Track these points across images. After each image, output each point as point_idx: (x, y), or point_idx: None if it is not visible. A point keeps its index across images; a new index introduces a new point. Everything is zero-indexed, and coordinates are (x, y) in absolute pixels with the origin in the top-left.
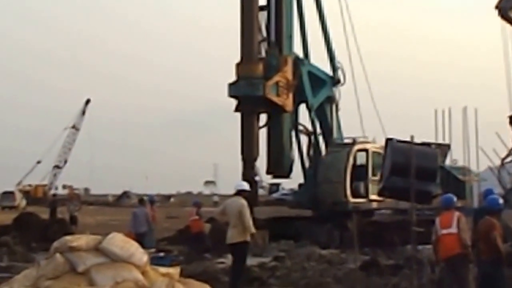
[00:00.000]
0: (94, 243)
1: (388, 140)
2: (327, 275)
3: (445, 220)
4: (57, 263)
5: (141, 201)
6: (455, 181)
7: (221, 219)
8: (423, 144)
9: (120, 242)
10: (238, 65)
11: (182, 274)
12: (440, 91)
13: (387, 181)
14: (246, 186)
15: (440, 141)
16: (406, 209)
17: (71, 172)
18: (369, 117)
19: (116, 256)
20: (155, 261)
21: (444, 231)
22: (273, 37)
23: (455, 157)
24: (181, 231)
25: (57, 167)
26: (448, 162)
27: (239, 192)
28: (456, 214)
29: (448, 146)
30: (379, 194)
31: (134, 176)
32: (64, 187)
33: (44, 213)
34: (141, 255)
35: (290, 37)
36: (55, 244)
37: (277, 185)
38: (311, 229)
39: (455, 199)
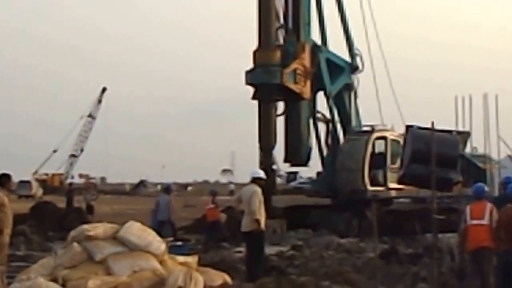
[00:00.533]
0: (111, 232)
1: (409, 127)
2: (346, 264)
3: (477, 210)
4: (74, 252)
5: (166, 189)
6: (476, 169)
7: (237, 207)
8: (443, 131)
9: (137, 231)
10: (255, 52)
11: (200, 263)
12: (460, 77)
13: (407, 168)
14: (261, 173)
15: (460, 128)
16: (424, 197)
17: (87, 161)
18: (388, 104)
19: (134, 245)
20: (173, 250)
21: (475, 222)
22: (290, 24)
23: (475, 145)
24: (198, 220)
25: (73, 156)
26: (468, 150)
27: (254, 180)
28: (489, 206)
29: (468, 134)
30: (400, 182)
31: (150, 165)
32: (81, 176)
33: (60, 202)
34: (159, 244)
35: (308, 23)
36: (72, 233)
37: (295, 173)
38: (329, 217)
39: (486, 188)
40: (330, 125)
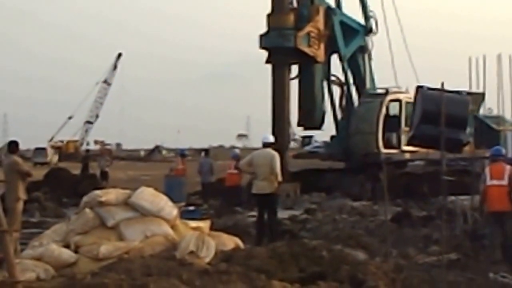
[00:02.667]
0: (123, 197)
1: (419, 88)
2: (359, 227)
3: (496, 171)
4: (86, 218)
5: (206, 152)
6: (489, 131)
7: (246, 170)
8: (454, 91)
9: (149, 197)
10: (269, 16)
11: (213, 228)
12: (474, 40)
13: (417, 129)
14: (271, 139)
15: (475, 90)
16: (438, 160)
17: (102, 127)
18: (402, 67)
19: (146, 210)
20: (185, 215)
21: (495, 182)
22: None
23: (490, 106)
24: (212, 184)
25: (88, 122)
26: (482, 111)
27: (266, 145)
28: (508, 167)
29: (482, 95)
30: (409, 143)
31: (166, 130)
32: (96, 142)
33: (75, 169)
34: (171, 209)
35: None
36: (85, 199)
37: (310, 137)
38: (343, 181)
39: (504, 150)
40: (345, 88)
